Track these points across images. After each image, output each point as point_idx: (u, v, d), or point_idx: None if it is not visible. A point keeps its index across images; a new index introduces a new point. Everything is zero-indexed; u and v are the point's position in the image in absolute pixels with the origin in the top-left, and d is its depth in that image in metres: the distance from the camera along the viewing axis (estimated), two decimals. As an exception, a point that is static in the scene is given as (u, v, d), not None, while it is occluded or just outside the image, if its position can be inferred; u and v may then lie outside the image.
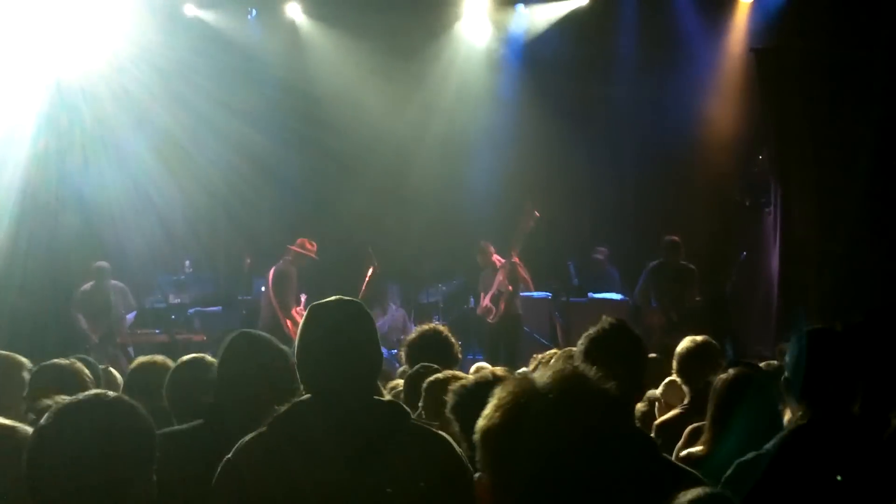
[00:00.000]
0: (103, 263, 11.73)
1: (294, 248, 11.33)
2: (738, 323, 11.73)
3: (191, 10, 12.71)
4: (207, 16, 12.82)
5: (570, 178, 13.84)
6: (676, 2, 12.39)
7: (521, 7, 12.97)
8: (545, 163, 13.95)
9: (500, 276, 11.62)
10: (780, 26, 11.70)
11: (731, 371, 4.10)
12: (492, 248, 11.89)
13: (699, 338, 5.28)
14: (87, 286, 11.62)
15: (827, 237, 11.18)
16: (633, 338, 3.42)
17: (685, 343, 5.27)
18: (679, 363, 5.23)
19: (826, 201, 11.25)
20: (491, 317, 11.68)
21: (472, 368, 5.84)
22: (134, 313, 11.83)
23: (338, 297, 3.21)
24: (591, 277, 12.90)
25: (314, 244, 11.50)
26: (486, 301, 11.74)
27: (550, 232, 13.88)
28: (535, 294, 12.12)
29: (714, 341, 5.31)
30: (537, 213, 11.68)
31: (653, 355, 6.58)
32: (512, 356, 10.96)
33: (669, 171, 12.91)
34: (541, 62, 13.43)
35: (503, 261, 11.77)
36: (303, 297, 11.12)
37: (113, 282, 11.70)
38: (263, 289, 11.42)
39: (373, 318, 3.21)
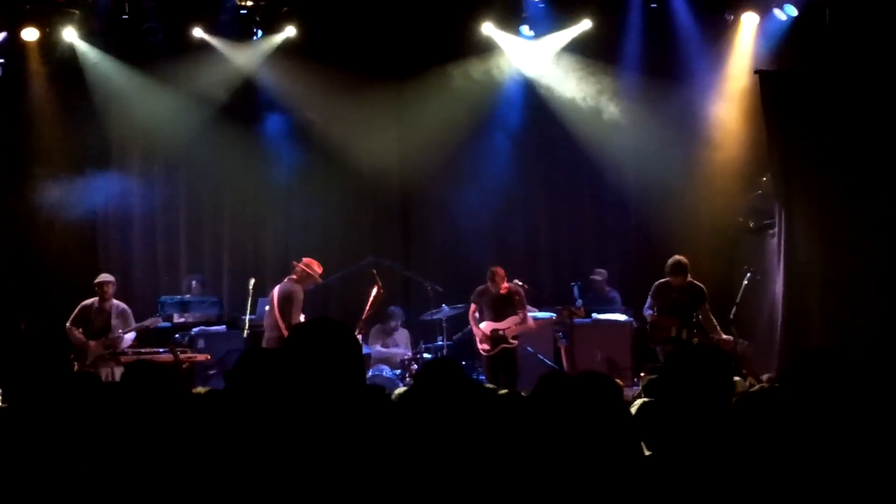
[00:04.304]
0: (106, 278, 11.53)
1: (301, 266, 11.27)
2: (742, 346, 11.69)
3: (198, 33, 12.76)
4: (213, 39, 12.88)
5: (573, 200, 13.92)
6: (680, 24, 12.41)
7: (525, 29, 12.98)
8: (547, 186, 14.05)
9: (520, 315, 11.49)
10: (785, 49, 11.74)
11: None
12: (502, 273, 11.68)
13: None
14: (88, 302, 11.52)
15: (830, 260, 11.18)
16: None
17: None
18: None
19: (829, 224, 11.26)
20: (488, 349, 11.53)
21: None
22: (133, 335, 11.58)
23: (321, 317, 3.34)
24: (592, 299, 12.90)
25: (321, 267, 11.46)
26: (487, 329, 11.57)
27: (554, 254, 13.97)
28: (539, 315, 12.07)
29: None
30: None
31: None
32: (512, 382, 10.89)
33: (673, 194, 12.92)
34: (544, 87, 13.48)
35: (511, 287, 11.61)
36: (301, 318, 11.06)
37: (115, 301, 11.56)
38: (267, 308, 11.38)
39: (355, 339, 3.28)
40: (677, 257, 11.09)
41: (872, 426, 3.74)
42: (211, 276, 13.90)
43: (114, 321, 11.35)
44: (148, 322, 11.71)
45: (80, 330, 11.33)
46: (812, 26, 11.40)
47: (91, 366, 11.02)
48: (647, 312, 11.13)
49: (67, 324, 11.37)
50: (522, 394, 5.73)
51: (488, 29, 12.93)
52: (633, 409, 5.15)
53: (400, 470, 3.09)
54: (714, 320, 10.95)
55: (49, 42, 12.46)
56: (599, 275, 13.25)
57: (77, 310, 11.44)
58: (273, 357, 3.79)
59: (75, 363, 10.99)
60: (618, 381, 5.60)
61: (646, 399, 5.30)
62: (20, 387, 4.26)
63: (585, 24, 12.76)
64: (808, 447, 3.56)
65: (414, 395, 4.61)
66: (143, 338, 12.00)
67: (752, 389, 4.87)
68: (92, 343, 11.26)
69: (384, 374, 11.73)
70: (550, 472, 3.27)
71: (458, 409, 4.13)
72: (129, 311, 11.59)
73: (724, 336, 10.90)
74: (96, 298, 11.43)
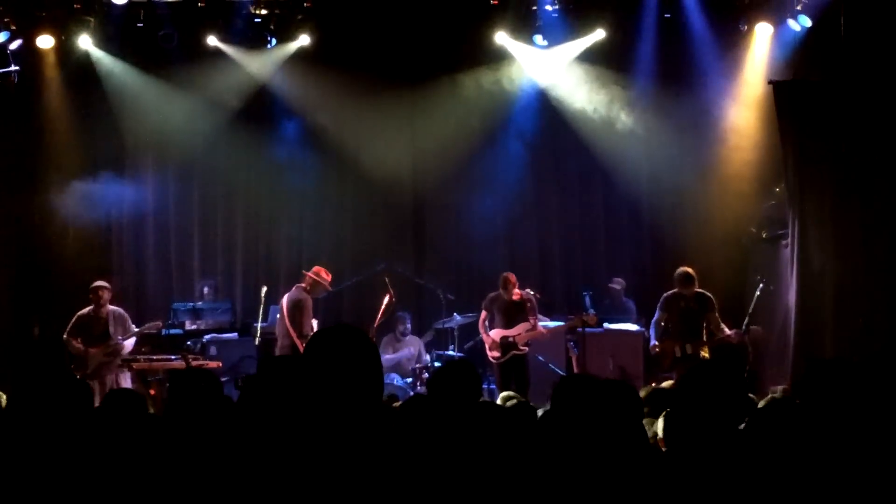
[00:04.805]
0: (101, 285, 11.38)
1: (310, 274, 11.30)
2: (755, 356, 11.65)
3: (212, 41, 12.78)
4: (227, 47, 12.90)
5: (585, 208, 13.91)
6: (694, 33, 12.40)
7: (539, 38, 12.95)
8: (560, 194, 14.04)
9: (530, 322, 11.50)
10: (800, 60, 11.72)
11: None
12: (514, 279, 11.73)
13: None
14: (84, 310, 11.35)
15: (843, 270, 11.15)
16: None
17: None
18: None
19: (843, 234, 11.23)
20: (498, 356, 11.54)
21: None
22: (134, 340, 11.40)
23: (340, 324, 3.36)
24: (608, 308, 12.87)
25: (330, 274, 11.48)
26: (497, 336, 11.58)
27: (566, 262, 13.95)
28: (551, 323, 12.06)
29: None
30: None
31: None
32: (524, 389, 10.87)
33: (686, 202, 12.91)
34: (556, 96, 13.48)
35: (523, 294, 11.61)
36: (314, 323, 11.11)
37: (111, 307, 11.40)
38: (279, 316, 11.41)
39: (374, 346, 3.28)
40: (685, 268, 11.11)
41: (888, 435, 3.73)
42: (223, 280, 13.93)
43: (111, 328, 11.28)
44: (147, 327, 11.60)
45: (79, 339, 11.19)
46: (826, 37, 11.37)
47: (93, 374, 10.90)
48: (652, 337, 11.12)
49: (64, 335, 11.27)
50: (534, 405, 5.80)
51: (502, 38, 12.93)
52: (660, 421, 5.20)
53: (419, 481, 3.08)
54: (723, 325, 10.94)
55: (64, 49, 12.52)
56: (618, 283, 13.23)
57: (73, 319, 11.31)
58: (291, 365, 3.77)
59: (77, 373, 10.85)
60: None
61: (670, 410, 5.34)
62: (26, 394, 4.29)
63: (599, 34, 12.73)
64: (825, 458, 3.54)
65: (430, 398, 4.61)
66: (157, 344, 11.98)
67: (764, 400, 4.83)
68: (92, 350, 11.12)
69: (395, 382, 11.74)
70: (572, 480, 3.27)
71: (471, 419, 4.13)
72: (126, 315, 11.45)
73: (729, 332, 10.88)
74: (91, 306, 11.31)
